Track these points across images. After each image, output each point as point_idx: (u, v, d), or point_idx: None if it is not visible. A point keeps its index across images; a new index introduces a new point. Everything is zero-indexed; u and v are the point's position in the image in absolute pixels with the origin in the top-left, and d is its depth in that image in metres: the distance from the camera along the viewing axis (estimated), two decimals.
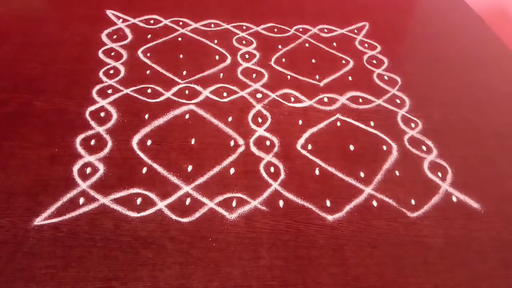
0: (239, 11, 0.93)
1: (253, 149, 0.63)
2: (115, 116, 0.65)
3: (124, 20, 0.85)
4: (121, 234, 0.50)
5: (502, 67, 0.88)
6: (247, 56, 0.80)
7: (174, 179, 0.57)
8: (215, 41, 0.83)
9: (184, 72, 0.74)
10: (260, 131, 0.66)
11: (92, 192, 0.54)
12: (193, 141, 0.63)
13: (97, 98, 0.67)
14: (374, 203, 0.57)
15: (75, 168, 0.56)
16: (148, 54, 0.77)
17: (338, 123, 0.69)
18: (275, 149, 0.63)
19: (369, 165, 0.63)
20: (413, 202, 0.58)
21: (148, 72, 0.73)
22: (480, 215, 0.58)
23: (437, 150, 0.66)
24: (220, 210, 0.54)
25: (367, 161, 0.63)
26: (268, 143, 0.64)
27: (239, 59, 0.79)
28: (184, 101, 0.69)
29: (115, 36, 0.80)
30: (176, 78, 0.73)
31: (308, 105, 0.72)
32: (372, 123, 0.70)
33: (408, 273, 0.50)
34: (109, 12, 0.87)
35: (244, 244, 0.51)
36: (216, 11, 0.91)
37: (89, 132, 0.61)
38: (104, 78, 0.71)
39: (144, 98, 0.68)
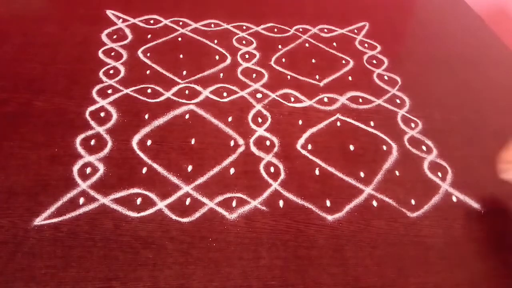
0: (239, 11, 0.93)
1: (253, 149, 0.63)
2: (115, 116, 0.65)
3: (124, 20, 0.85)
4: (121, 234, 0.50)
5: (502, 67, 0.88)
6: (247, 56, 0.80)
7: (174, 179, 0.57)
8: (215, 41, 0.83)
9: (184, 72, 0.74)
10: (260, 131, 0.66)
11: (92, 192, 0.54)
12: (193, 141, 0.63)
13: (97, 98, 0.67)
14: (374, 203, 0.57)
15: (75, 168, 0.56)
16: (148, 54, 0.77)
17: (338, 123, 0.69)
18: (275, 149, 0.63)
19: (369, 165, 0.63)
20: (413, 202, 0.58)
21: (148, 72, 0.73)
22: (480, 215, 0.58)
23: (437, 150, 0.66)
24: (220, 210, 0.54)
25: (367, 161, 0.63)
26: (268, 143, 0.64)
27: (239, 59, 0.79)
28: (184, 101, 0.69)
29: (115, 36, 0.80)
30: (176, 78, 0.73)
31: (308, 105, 0.72)
32: (372, 123, 0.70)
33: (408, 273, 0.50)
34: (109, 12, 0.87)
35: (244, 244, 0.51)
36: (216, 11, 0.91)
37: (89, 132, 0.61)
38: (104, 78, 0.71)
39: (144, 98, 0.68)
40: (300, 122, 0.68)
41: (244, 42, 0.84)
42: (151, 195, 0.54)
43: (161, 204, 0.54)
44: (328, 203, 0.57)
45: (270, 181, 0.58)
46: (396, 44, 0.92)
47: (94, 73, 0.71)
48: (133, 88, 0.70)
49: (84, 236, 0.49)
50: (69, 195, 0.53)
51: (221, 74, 0.75)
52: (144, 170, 0.57)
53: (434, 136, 0.68)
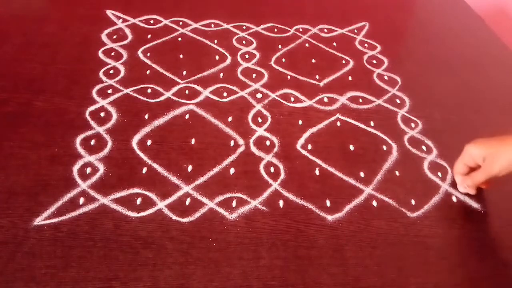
0: (239, 11, 0.93)
1: (253, 149, 0.63)
2: (115, 116, 0.65)
3: (124, 20, 0.85)
4: (121, 234, 0.50)
5: (502, 67, 0.88)
6: (247, 56, 0.80)
7: (174, 179, 0.57)
8: (215, 41, 0.83)
9: (184, 72, 0.74)
10: (260, 131, 0.66)
11: (92, 192, 0.54)
12: (193, 141, 0.63)
13: (97, 98, 0.67)
14: (374, 203, 0.57)
15: (75, 168, 0.56)
16: (148, 54, 0.77)
17: (338, 123, 0.69)
18: (275, 149, 0.63)
19: (369, 165, 0.63)
20: (413, 202, 0.58)
21: (148, 72, 0.73)
22: (480, 215, 0.58)
23: (437, 150, 0.66)
24: (220, 210, 0.54)
25: (367, 161, 0.63)
26: (268, 143, 0.64)
27: (239, 59, 0.79)
28: (184, 101, 0.69)
29: (115, 36, 0.80)
30: (176, 78, 0.73)
31: (308, 105, 0.72)
32: (372, 123, 0.70)
33: (408, 273, 0.50)
34: (109, 12, 0.87)
35: (244, 244, 0.51)
36: (216, 11, 0.91)
37: (89, 132, 0.61)
38: (104, 78, 0.71)
39: (144, 98, 0.68)
40: (300, 122, 0.68)
41: (244, 42, 0.84)
42: (151, 195, 0.54)
43: (161, 204, 0.54)
44: (328, 203, 0.57)
45: (270, 181, 0.58)
46: (396, 44, 0.92)
47: (94, 73, 0.71)
48: (133, 88, 0.70)
49: (84, 236, 0.49)
50: (69, 195, 0.53)
51: (221, 74, 0.75)
52: (144, 170, 0.57)
53: (434, 136, 0.68)
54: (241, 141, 0.64)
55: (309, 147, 0.64)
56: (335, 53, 0.85)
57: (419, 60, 0.87)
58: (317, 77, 0.78)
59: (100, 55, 0.75)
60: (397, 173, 0.62)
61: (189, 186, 0.56)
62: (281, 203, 0.56)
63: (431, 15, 1.05)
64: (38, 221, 0.50)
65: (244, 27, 0.88)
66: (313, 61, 0.82)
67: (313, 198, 0.57)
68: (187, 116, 0.66)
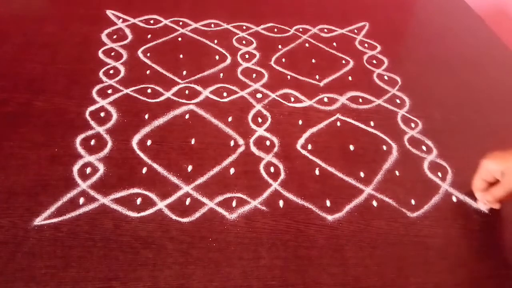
0: (239, 11, 0.93)
1: (253, 149, 0.63)
2: (115, 116, 0.65)
3: (124, 20, 0.85)
4: (121, 234, 0.50)
5: (502, 67, 0.88)
6: (247, 56, 0.80)
7: (174, 179, 0.57)
8: (215, 41, 0.83)
9: (184, 72, 0.74)
10: (260, 131, 0.66)
11: (92, 192, 0.54)
12: (193, 141, 0.63)
13: (97, 98, 0.67)
14: (374, 203, 0.57)
15: (75, 168, 0.56)
16: (148, 54, 0.77)
17: (338, 123, 0.69)
18: (275, 149, 0.63)
19: (369, 165, 0.63)
20: (413, 202, 0.58)
21: (148, 72, 0.73)
22: (480, 215, 0.58)
23: (437, 150, 0.66)
24: (220, 210, 0.54)
25: (367, 161, 0.63)
26: (268, 143, 0.64)
27: (239, 59, 0.79)
28: (184, 101, 0.69)
29: (115, 36, 0.80)
30: (176, 78, 0.73)
31: (308, 105, 0.72)
32: (372, 123, 0.70)
33: (408, 273, 0.50)
34: (109, 12, 0.87)
35: (244, 244, 0.51)
36: (216, 11, 0.91)
37: (89, 132, 0.61)
38: (104, 78, 0.71)
39: (144, 98, 0.68)
40: (300, 122, 0.68)
41: (244, 42, 0.84)
42: (151, 195, 0.54)
43: (161, 204, 0.54)
44: (328, 203, 0.57)
45: (270, 181, 0.58)
46: (396, 44, 0.92)
47: (94, 73, 0.71)
48: (133, 88, 0.70)
49: (84, 236, 0.49)
50: (69, 195, 0.53)
51: (221, 74, 0.75)
52: (144, 170, 0.57)
53: (434, 136, 0.68)
54: (241, 141, 0.64)
55: (309, 147, 0.64)
56: (335, 53, 0.85)
57: (419, 60, 0.87)
58: (317, 77, 0.78)
59: (100, 55, 0.75)
60: (397, 173, 0.62)
61: (189, 186, 0.56)
62: (281, 203, 0.56)
63: (431, 15, 1.05)
64: (38, 221, 0.50)
65: (244, 27, 0.88)
66: (313, 61, 0.82)
67: (313, 198, 0.57)
68: (187, 116, 0.66)
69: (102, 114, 0.64)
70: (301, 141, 0.65)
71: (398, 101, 0.75)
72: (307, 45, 0.86)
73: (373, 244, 0.53)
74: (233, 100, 0.71)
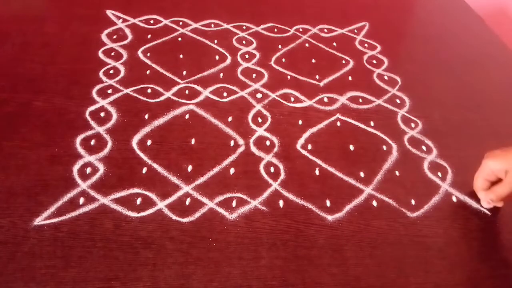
0: (239, 11, 0.93)
1: (253, 149, 0.63)
2: (115, 116, 0.65)
3: (124, 20, 0.85)
4: (121, 234, 0.50)
5: (502, 67, 0.89)
6: (247, 56, 0.80)
7: (174, 179, 0.57)
8: (215, 41, 0.83)
9: (184, 72, 0.74)
10: (260, 131, 0.66)
11: (92, 192, 0.54)
12: (193, 141, 0.63)
13: (97, 98, 0.67)
14: (374, 203, 0.57)
15: (75, 168, 0.56)
16: (148, 54, 0.77)
17: (338, 123, 0.69)
18: (275, 149, 0.63)
19: (369, 165, 0.63)
20: (413, 202, 0.58)
21: (148, 72, 0.73)
22: (480, 215, 0.58)
23: (437, 150, 0.66)
24: (220, 210, 0.54)
25: (367, 161, 0.63)
26: (268, 143, 0.64)
27: (239, 59, 0.79)
28: (184, 101, 0.69)
29: (115, 36, 0.80)
30: (176, 78, 0.73)
31: (308, 105, 0.72)
32: (372, 123, 0.70)
33: (408, 273, 0.50)
34: (109, 12, 0.87)
35: (244, 244, 0.51)
36: (216, 11, 0.91)
37: (89, 132, 0.61)
38: (104, 78, 0.71)
39: (144, 98, 0.68)
40: (300, 122, 0.68)
41: (244, 42, 0.84)
42: (151, 195, 0.54)
43: (161, 204, 0.54)
44: (328, 203, 0.57)
45: (270, 181, 0.58)
46: (396, 44, 0.92)
47: (94, 73, 0.71)
48: (133, 88, 0.70)
49: (84, 236, 0.49)
50: (69, 195, 0.53)
51: (221, 74, 0.75)
52: (144, 170, 0.57)
53: (434, 136, 0.68)
54: (241, 141, 0.64)
55: (309, 147, 0.64)
56: (335, 53, 0.85)
57: (419, 60, 0.87)
58: (317, 77, 0.78)
59: (100, 55, 0.75)
60: (397, 173, 0.62)
61: (189, 186, 0.56)
62: (281, 203, 0.56)
63: (431, 15, 1.05)
64: (38, 221, 0.50)
65: (244, 27, 0.88)
66: (313, 61, 0.82)
67: (313, 198, 0.57)
68: (187, 116, 0.66)
69: (102, 114, 0.64)
70: (301, 141, 0.65)
71: (398, 101, 0.75)
72: (307, 45, 0.86)
73: (373, 244, 0.53)
74: (233, 100, 0.71)
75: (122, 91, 0.69)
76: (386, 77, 0.80)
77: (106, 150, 0.59)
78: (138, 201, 0.54)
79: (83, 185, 0.54)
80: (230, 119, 0.67)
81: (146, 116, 0.65)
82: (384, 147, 0.66)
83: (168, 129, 0.64)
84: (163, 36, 0.82)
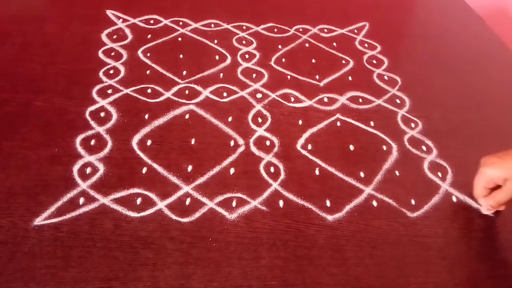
0: (239, 11, 0.93)
1: (253, 149, 0.63)
2: (115, 116, 0.65)
3: (124, 20, 0.85)
4: (121, 234, 0.50)
5: (502, 67, 0.89)
6: (247, 56, 0.80)
7: (174, 179, 0.57)
8: (215, 41, 0.83)
9: (184, 72, 0.74)
10: (260, 131, 0.66)
11: (92, 192, 0.54)
12: (193, 141, 0.63)
13: (97, 98, 0.67)
14: (374, 203, 0.57)
15: (75, 168, 0.56)
16: (148, 54, 0.77)
17: (338, 123, 0.69)
18: (275, 149, 0.63)
19: (369, 165, 0.63)
20: (413, 202, 0.58)
21: (148, 72, 0.73)
22: (480, 215, 0.58)
23: (437, 150, 0.66)
24: (220, 210, 0.54)
25: (367, 161, 0.63)
26: (268, 143, 0.64)
27: (239, 59, 0.79)
28: (184, 101, 0.69)
29: (115, 36, 0.80)
30: (176, 78, 0.73)
31: (308, 105, 0.72)
32: (372, 123, 0.70)
33: (408, 273, 0.50)
34: (109, 12, 0.87)
35: (244, 244, 0.51)
36: (216, 11, 0.91)
37: (89, 132, 0.61)
38: (104, 78, 0.71)
39: (144, 98, 0.68)
40: (300, 122, 0.68)
41: (244, 42, 0.84)
42: (151, 195, 0.54)
43: (161, 204, 0.54)
44: (328, 203, 0.57)
45: (270, 181, 0.58)
46: (396, 44, 0.92)
47: (94, 73, 0.71)
48: (133, 88, 0.70)
49: (84, 236, 0.49)
50: (69, 195, 0.53)
51: (221, 74, 0.75)
52: (144, 170, 0.57)
53: (434, 136, 0.68)
54: (241, 141, 0.64)
55: (309, 147, 0.64)
56: (335, 53, 0.85)
57: (419, 60, 0.87)
58: (317, 77, 0.78)
59: (100, 55, 0.75)
60: (397, 173, 0.62)
61: (189, 186, 0.56)
62: (281, 203, 0.56)
63: (431, 15, 1.05)
64: (38, 221, 0.50)
65: (244, 27, 0.88)
66: (313, 61, 0.82)
67: (313, 198, 0.57)
68: (187, 116, 0.66)
69: (102, 114, 0.64)
70: (301, 141, 0.65)
71: (398, 101, 0.75)
72: (307, 45, 0.86)
73: (373, 244, 0.53)
74: (233, 100, 0.71)
75: (122, 91, 0.69)
76: (386, 77, 0.80)
77: (106, 150, 0.59)
78: (138, 201, 0.54)
79: (83, 185, 0.54)
80: (230, 119, 0.67)
81: (146, 116, 0.65)
82: (384, 147, 0.66)
83: (168, 129, 0.64)
84: (163, 36, 0.82)
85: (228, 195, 0.56)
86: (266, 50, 0.82)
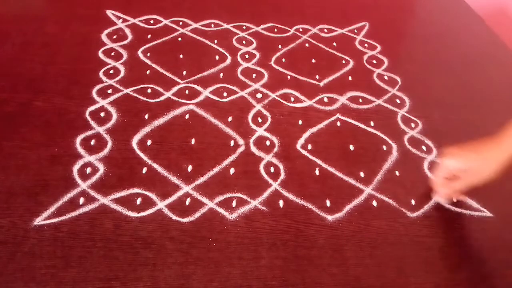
0: (239, 11, 0.93)
1: (253, 149, 0.63)
2: (115, 116, 0.65)
3: (124, 20, 0.85)
4: (121, 234, 0.50)
5: (502, 67, 0.88)
6: (247, 56, 0.80)
7: (174, 179, 0.57)
8: (215, 41, 0.83)
9: (184, 72, 0.74)
10: (260, 131, 0.66)
11: (92, 192, 0.54)
12: (193, 141, 0.63)
13: (97, 98, 0.67)
14: (374, 203, 0.57)
15: (75, 168, 0.56)
16: (148, 54, 0.77)
17: (338, 123, 0.69)
18: (275, 149, 0.63)
19: (369, 165, 0.63)
20: (413, 202, 0.58)
21: (148, 72, 0.73)
22: (480, 215, 0.58)
23: (437, 150, 0.66)
24: (220, 210, 0.54)
25: (367, 161, 0.63)
26: (268, 143, 0.64)
27: (239, 59, 0.79)
28: (184, 101, 0.69)
29: (115, 36, 0.80)
30: (176, 78, 0.73)
31: (308, 105, 0.72)
32: (372, 123, 0.70)
33: (408, 273, 0.50)
34: (109, 12, 0.87)
35: (244, 244, 0.51)
36: (216, 11, 0.91)
37: (89, 132, 0.61)
38: (104, 78, 0.71)
39: (144, 98, 0.68)
40: (300, 122, 0.68)
41: (244, 42, 0.84)
42: (151, 195, 0.54)
43: (161, 204, 0.54)
44: (328, 203, 0.57)
45: (270, 181, 0.58)
46: (396, 44, 0.92)
47: (94, 73, 0.71)
48: (133, 88, 0.70)
49: (84, 236, 0.49)
50: (69, 195, 0.53)
51: (221, 74, 0.75)
52: (144, 170, 0.57)
53: (434, 136, 0.68)
54: (241, 141, 0.64)
55: (309, 147, 0.64)
56: (335, 53, 0.85)
57: (419, 60, 0.87)
58: (317, 77, 0.78)
59: (100, 55, 0.75)
60: (397, 173, 0.62)
61: (189, 186, 0.56)
62: (281, 203, 0.56)
63: (431, 15, 1.05)
64: (38, 221, 0.50)
65: (244, 27, 0.88)
66: (313, 61, 0.82)
67: (313, 198, 0.57)
68: (187, 116, 0.66)
69: (102, 114, 0.64)
70: (301, 141, 0.65)
71: (398, 101, 0.75)
72: (307, 45, 0.86)
73: (373, 244, 0.53)
74: (233, 100, 0.71)
75: (122, 91, 0.69)
76: (386, 77, 0.80)
77: (106, 150, 0.59)
78: (138, 201, 0.54)
79: (83, 185, 0.54)
80: (230, 119, 0.67)
81: (146, 116, 0.65)
82: (384, 147, 0.66)
83: (168, 129, 0.64)
84: (163, 36, 0.82)
85: (228, 195, 0.56)
86: (266, 50, 0.82)
